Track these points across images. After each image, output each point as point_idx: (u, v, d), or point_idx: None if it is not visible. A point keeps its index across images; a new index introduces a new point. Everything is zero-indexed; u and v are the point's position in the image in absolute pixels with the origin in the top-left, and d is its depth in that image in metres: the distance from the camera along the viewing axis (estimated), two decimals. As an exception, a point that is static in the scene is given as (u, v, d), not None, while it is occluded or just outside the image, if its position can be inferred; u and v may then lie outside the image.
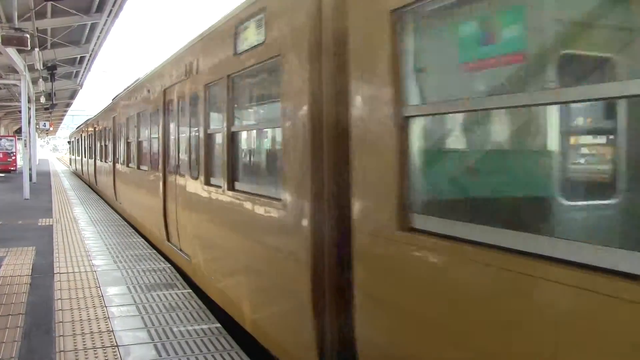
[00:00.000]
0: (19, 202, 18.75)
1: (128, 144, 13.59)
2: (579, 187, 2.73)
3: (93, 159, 23.52)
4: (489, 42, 2.79)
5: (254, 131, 6.15)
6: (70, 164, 48.80)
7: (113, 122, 16.37)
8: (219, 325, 5.98)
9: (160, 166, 9.31)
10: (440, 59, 3.19)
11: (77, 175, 35.62)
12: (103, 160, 19.53)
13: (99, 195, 21.14)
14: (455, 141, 3.33)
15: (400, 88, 3.09)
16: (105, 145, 18.78)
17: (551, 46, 2.56)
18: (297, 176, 4.21)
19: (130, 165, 13.24)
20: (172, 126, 8.84)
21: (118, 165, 15.49)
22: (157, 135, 9.83)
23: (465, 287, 2.63)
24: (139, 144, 12.22)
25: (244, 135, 6.09)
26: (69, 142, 52.55)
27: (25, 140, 22.19)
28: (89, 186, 25.89)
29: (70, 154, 52.69)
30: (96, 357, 5.06)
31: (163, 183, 9.19)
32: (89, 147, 25.77)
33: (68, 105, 48.45)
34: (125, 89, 15.31)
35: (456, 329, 2.71)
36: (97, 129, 21.90)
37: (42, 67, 20.74)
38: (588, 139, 2.93)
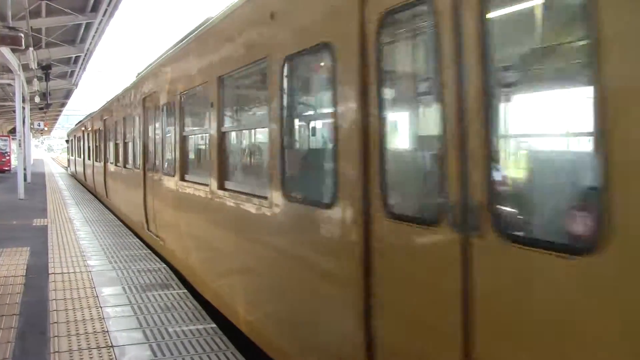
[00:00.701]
0: (13, 202, 18.67)
1: (183, 139, 8.07)
2: None
3: (102, 162, 18.17)
4: None
5: None
6: (69, 166, 41.18)
7: (142, 108, 10.71)
8: (214, 325, 5.97)
9: (357, 195, 3.49)
10: None
11: (79, 181, 30.00)
12: (122, 165, 13.95)
13: (112, 212, 15.88)
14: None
15: None
16: (125, 144, 13.52)
17: None
18: None
19: (189, 179, 7.68)
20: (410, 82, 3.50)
21: (155, 176, 9.80)
22: (326, 111, 4.12)
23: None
24: (223, 139, 6.25)
25: None
26: (67, 141, 45.36)
27: (19, 140, 22.10)
28: (95, 195, 21.26)
29: (68, 154, 44.07)
30: (91, 357, 5.04)
31: (366, 238, 3.43)
32: (95, 147, 20.88)
33: (63, 105, 48.33)
34: (171, 49, 9.11)
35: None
36: (109, 122, 16.76)
37: (36, 67, 20.68)
38: None
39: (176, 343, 5.43)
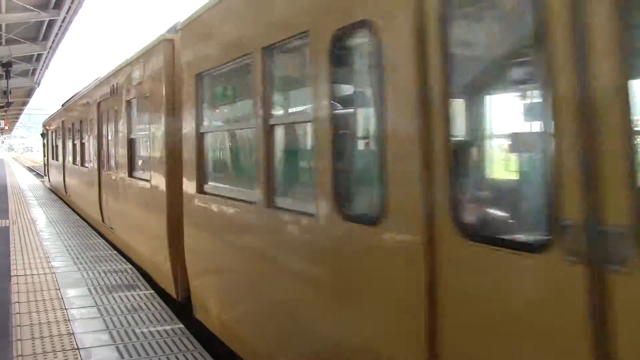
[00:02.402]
0: (-27, 203, 18.18)
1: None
2: None
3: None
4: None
5: None
6: (48, 175, 25.45)
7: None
8: (181, 325, 5.95)
9: None
10: None
11: (71, 206, 16.88)
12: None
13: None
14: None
15: None
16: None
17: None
18: None
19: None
20: None
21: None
22: None
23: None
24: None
25: None
26: (42, 135, 27.78)
27: (-21, 139, 21.49)
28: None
29: (46, 155, 26.95)
30: (56, 360, 4.98)
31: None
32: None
33: (24, 103, 47.12)
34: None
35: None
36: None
37: (-4, 64, 20.18)
38: None
39: (143, 344, 5.40)
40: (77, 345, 5.35)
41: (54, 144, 22.55)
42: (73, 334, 5.65)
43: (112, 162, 10.68)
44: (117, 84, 9.90)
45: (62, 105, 20.80)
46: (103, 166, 11.64)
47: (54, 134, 22.67)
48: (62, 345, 5.32)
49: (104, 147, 11.54)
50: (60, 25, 19.97)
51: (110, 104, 10.52)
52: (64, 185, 19.25)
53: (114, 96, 10.20)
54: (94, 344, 5.40)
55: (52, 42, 22.48)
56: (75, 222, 13.86)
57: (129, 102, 9.13)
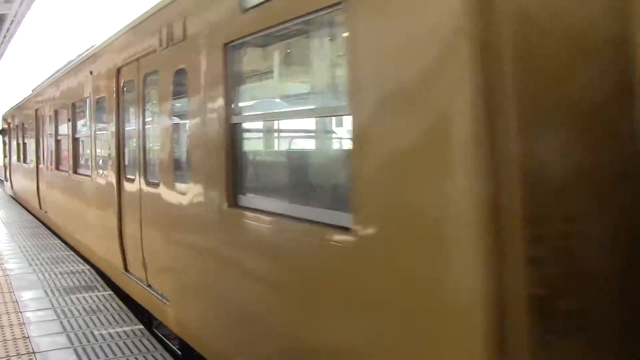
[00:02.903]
0: None
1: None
2: None
3: None
4: None
5: None
6: (9, 180, 21.71)
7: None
8: (141, 326, 5.88)
9: None
10: None
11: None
12: None
13: None
14: None
15: None
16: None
17: None
18: None
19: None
20: None
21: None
22: None
23: None
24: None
25: None
26: (2, 132, 23.40)
27: None
28: None
29: (6, 155, 22.86)
30: (11, 365, 4.86)
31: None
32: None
33: (-25, 100, 45.63)
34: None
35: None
36: None
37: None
38: None
39: (102, 346, 5.32)
40: (32, 349, 5.22)
41: (20, 141, 18.02)
42: (28, 337, 5.52)
43: (163, 169, 5.57)
44: (169, 29, 5.21)
45: (33, 91, 15.74)
46: (129, 175, 6.77)
47: (20, 129, 17.98)
48: (17, 350, 5.19)
49: (132, 144, 6.96)
50: (12, 20, 19.37)
51: (150, 65, 5.96)
52: (38, 197, 13.81)
53: (163, 50, 5.38)
54: (50, 347, 5.28)
55: (4, 38, 21.81)
56: (30, 222, 13.50)
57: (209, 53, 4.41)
